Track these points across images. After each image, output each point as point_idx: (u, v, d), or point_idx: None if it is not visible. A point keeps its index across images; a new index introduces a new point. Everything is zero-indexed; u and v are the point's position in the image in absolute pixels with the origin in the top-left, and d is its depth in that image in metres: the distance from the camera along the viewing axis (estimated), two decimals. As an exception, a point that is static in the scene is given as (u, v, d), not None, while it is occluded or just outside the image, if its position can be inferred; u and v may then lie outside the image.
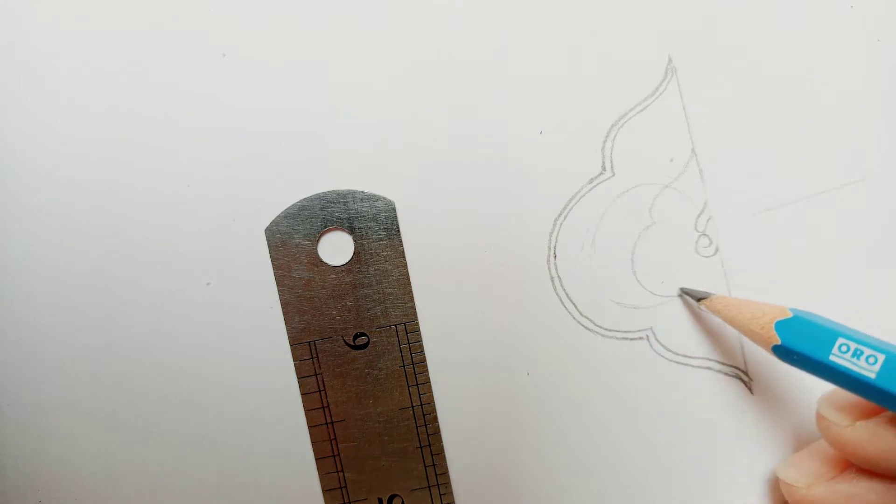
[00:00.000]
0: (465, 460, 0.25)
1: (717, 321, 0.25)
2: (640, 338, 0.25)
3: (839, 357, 0.20)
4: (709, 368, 0.25)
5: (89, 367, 0.24)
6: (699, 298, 0.24)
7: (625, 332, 0.25)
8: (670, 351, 0.25)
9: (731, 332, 0.25)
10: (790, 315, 0.21)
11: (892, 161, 0.26)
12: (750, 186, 0.26)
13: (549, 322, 0.25)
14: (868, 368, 0.19)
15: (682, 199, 0.25)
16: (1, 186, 0.24)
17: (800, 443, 0.25)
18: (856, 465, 0.22)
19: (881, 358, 0.19)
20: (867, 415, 0.21)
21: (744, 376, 0.25)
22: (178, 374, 0.24)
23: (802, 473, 0.23)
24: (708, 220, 0.26)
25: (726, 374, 0.25)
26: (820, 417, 0.22)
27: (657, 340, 0.25)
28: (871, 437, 0.20)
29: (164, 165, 0.24)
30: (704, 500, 0.25)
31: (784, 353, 0.21)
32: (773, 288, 0.26)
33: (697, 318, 0.25)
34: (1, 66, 0.24)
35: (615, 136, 0.25)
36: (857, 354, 0.20)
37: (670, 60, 0.25)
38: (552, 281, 0.25)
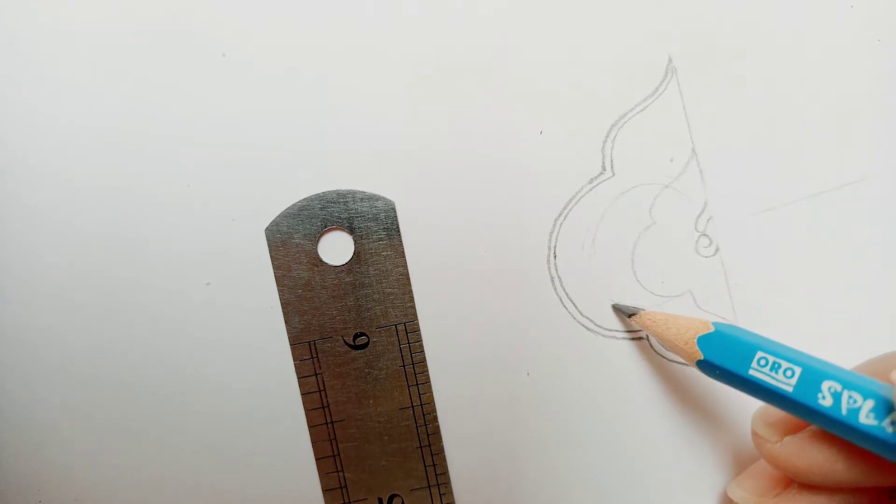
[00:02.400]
0: (465, 460, 0.25)
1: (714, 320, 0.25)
2: (640, 338, 0.25)
3: (758, 371, 0.20)
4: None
5: (89, 368, 0.24)
6: (630, 314, 0.24)
7: (624, 332, 0.25)
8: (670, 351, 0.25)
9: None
10: (712, 329, 0.21)
11: (892, 161, 0.26)
12: (750, 186, 0.26)
13: (549, 322, 0.25)
14: (785, 382, 0.19)
15: (682, 199, 0.25)
16: (1, 186, 0.24)
17: (724, 492, 0.25)
18: (797, 484, 0.22)
19: (798, 371, 0.19)
20: (795, 429, 0.21)
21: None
22: (178, 373, 0.24)
23: (750, 491, 0.23)
24: (708, 220, 0.26)
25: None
26: (753, 433, 0.22)
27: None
28: (798, 451, 0.20)
29: (164, 165, 0.24)
30: (704, 499, 0.25)
31: (707, 368, 0.21)
32: (774, 288, 0.26)
33: (697, 315, 0.25)
34: (1, 66, 0.24)
35: (615, 136, 0.25)
36: (775, 368, 0.19)
37: (670, 60, 0.25)
38: (552, 281, 0.25)
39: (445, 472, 0.25)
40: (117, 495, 0.24)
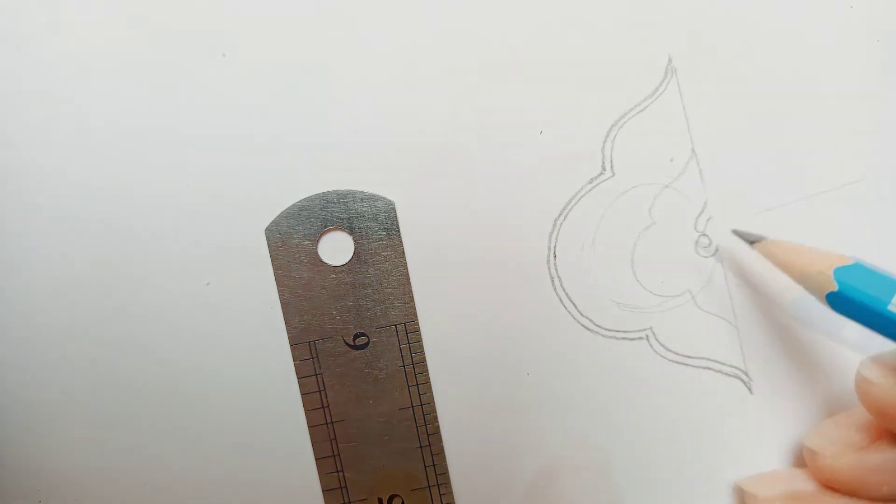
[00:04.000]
0: (465, 460, 0.25)
1: (714, 320, 0.25)
2: (640, 338, 0.25)
3: None
4: (708, 368, 0.25)
5: (89, 367, 0.24)
6: (752, 242, 0.23)
7: (625, 331, 0.25)
8: (670, 351, 0.25)
9: (730, 331, 0.25)
10: (850, 262, 0.21)
11: (892, 161, 0.26)
12: (750, 186, 0.26)
13: (548, 322, 0.25)
14: None
15: (682, 199, 0.25)
16: (1, 186, 0.24)
17: (801, 442, 0.25)
18: (887, 437, 0.21)
19: None
20: None
21: (743, 376, 0.25)
22: (178, 373, 0.24)
23: (830, 442, 0.22)
24: (708, 220, 0.26)
25: (726, 374, 0.25)
26: (862, 380, 0.21)
27: (657, 340, 0.25)
28: None
29: (163, 165, 0.24)
30: (704, 499, 0.25)
31: (839, 301, 0.20)
32: (773, 288, 0.26)
33: (695, 317, 0.25)
34: (1, 66, 0.24)
35: (615, 137, 0.25)
36: None
37: (670, 60, 0.25)
38: (552, 281, 0.25)
39: (445, 472, 0.25)
40: (117, 495, 0.24)
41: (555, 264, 0.25)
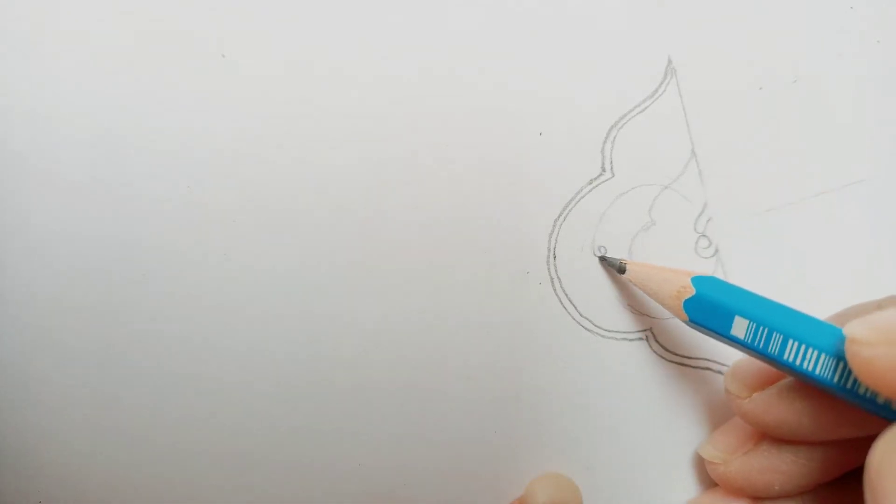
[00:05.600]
0: (465, 460, 0.25)
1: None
2: (640, 338, 0.25)
3: (738, 331, 0.21)
4: (707, 369, 0.25)
5: (89, 368, 0.24)
6: (620, 270, 0.24)
7: (624, 332, 0.25)
8: (669, 351, 0.25)
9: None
10: (693, 292, 0.22)
11: (892, 161, 0.26)
12: (750, 187, 0.26)
13: (548, 322, 0.25)
14: (760, 340, 0.20)
15: (682, 200, 0.25)
16: (1, 186, 0.24)
17: (696, 453, 0.26)
18: (768, 439, 0.22)
19: (767, 330, 0.20)
20: (764, 385, 0.22)
21: (743, 377, 0.25)
22: (178, 374, 0.24)
23: (720, 449, 0.23)
24: (707, 220, 0.25)
25: (725, 374, 0.25)
26: (725, 390, 0.23)
27: (656, 341, 0.25)
28: (766, 406, 0.21)
29: (163, 166, 0.24)
30: (703, 500, 0.26)
31: (694, 324, 0.22)
32: (773, 288, 0.26)
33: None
34: (2, 67, 0.24)
35: (615, 137, 0.25)
36: (751, 329, 0.20)
37: (670, 61, 0.25)
38: (552, 282, 0.25)
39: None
40: (117, 495, 0.24)
41: (554, 265, 0.25)
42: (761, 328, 0.20)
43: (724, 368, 0.25)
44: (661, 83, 0.25)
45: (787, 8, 0.26)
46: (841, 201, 0.26)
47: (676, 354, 0.25)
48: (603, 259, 0.25)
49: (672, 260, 0.25)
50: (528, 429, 0.25)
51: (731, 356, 0.25)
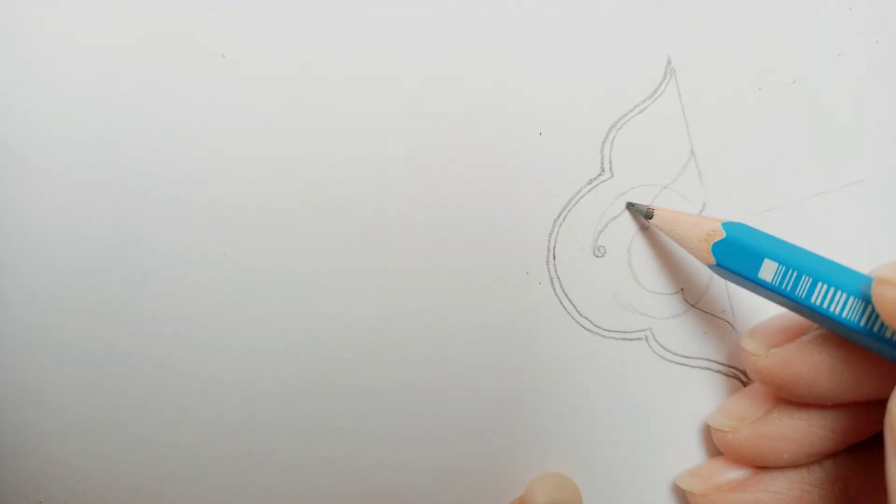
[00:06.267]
0: (465, 460, 0.25)
1: (713, 321, 0.25)
2: (639, 338, 0.25)
3: (767, 274, 0.21)
4: (707, 369, 0.25)
5: (89, 368, 0.24)
6: (647, 216, 0.24)
7: (624, 332, 0.25)
8: (669, 351, 0.25)
9: (730, 331, 0.25)
10: (723, 235, 0.22)
11: (892, 161, 0.26)
12: (750, 187, 0.26)
13: (548, 322, 0.25)
14: (788, 283, 0.20)
15: (682, 200, 0.25)
16: (1, 187, 0.24)
17: (705, 422, 0.25)
18: (781, 405, 0.22)
19: (796, 273, 0.20)
20: (783, 342, 0.21)
21: (743, 376, 0.25)
22: (178, 374, 0.24)
23: (730, 417, 0.23)
24: (707, 220, 0.25)
25: (725, 374, 0.25)
26: (741, 350, 0.22)
27: (656, 341, 0.25)
28: (782, 363, 0.21)
29: (163, 166, 0.24)
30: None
31: (720, 271, 0.22)
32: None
33: (695, 318, 0.25)
34: (2, 67, 0.24)
35: (614, 138, 0.25)
36: (779, 272, 0.20)
37: (669, 61, 0.25)
38: (551, 282, 0.25)
39: (444, 473, 0.25)
40: (117, 495, 0.24)
41: (554, 265, 0.25)
42: (790, 271, 0.20)
43: (724, 368, 0.25)
44: (661, 83, 0.25)
45: (787, 8, 0.26)
46: (841, 201, 0.26)
47: (676, 354, 0.25)
48: (630, 206, 0.25)
49: (672, 260, 0.25)
50: (528, 429, 0.25)
51: (731, 355, 0.25)
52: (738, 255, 0.21)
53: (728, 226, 0.22)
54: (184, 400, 0.24)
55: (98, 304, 0.24)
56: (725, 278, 0.22)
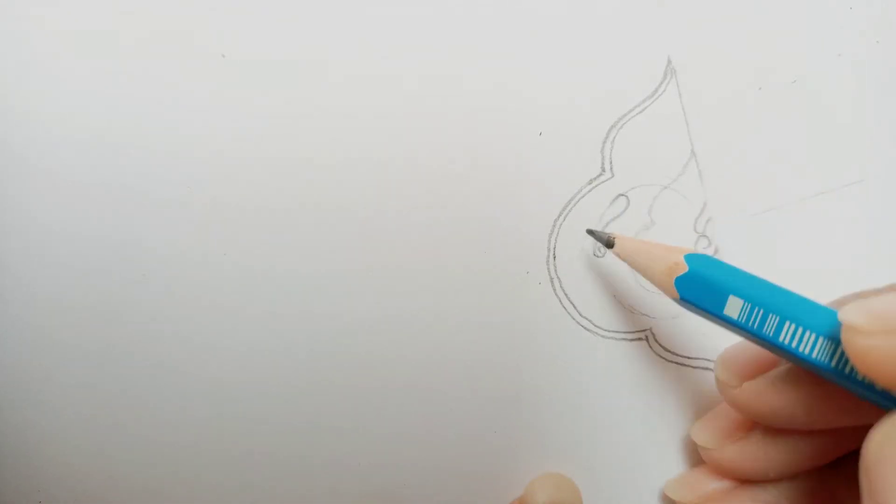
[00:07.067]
0: (465, 460, 0.25)
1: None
2: (640, 338, 0.25)
3: (732, 311, 0.20)
4: (707, 369, 0.25)
5: (89, 368, 0.24)
6: (608, 245, 0.23)
7: (624, 332, 0.25)
8: (669, 351, 0.25)
9: (729, 332, 0.25)
10: (686, 269, 0.21)
11: (892, 162, 0.26)
12: (749, 187, 0.26)
13: (548, 323, 0.25)
14: (754, 321, 0.19)
15: (682, 200, 0.25)
16: (1, 186, 0.24)
17: (688, 434, 0.25)
18: (760, 426, 0.22)
19: (762, 312, 0.19)
20: (755, 374, 0.21)
21: (743, 377, 0.25)
22: (178, 374, 0.24)
23: (713, 434, 0.23)
24: (707, 221, 0.26)
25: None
26: (716, 378, 0.22)
27: (656, 341, 0.25)
28: (757, 396, 0.21)
29: (163, 166, 0.24)
30: (703, 500, 0.26)
31: (686, 304, 0.21)
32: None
33: (695, 318, 0.25)
34: (2, 67, 0.24)
35: (614, 138, 0.25)
36: (745, 309, 0.20)
37: (670, 61, 0.25)
38: (551, 282, 0.25)
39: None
40: (117, 495, 0.24)
41: (554, 265, 0.25)
42: (757, 309, 0.19)
43: (723, 368, 0.25)
44: (661, 83, 0.25)
45: (787, 8, 0.26)
46: (840, 201, 0.26)
47: (676, 354, 0.25)
48: (591, 233, 0.24)
49: (672, 260, 0.25)
50: (528, 429, 0.25)
51: (730, 356, 0.25)
52: (702, 290, 0.20)
53: (691, 258, 0.21)
54: (184, 400, 0.24)
55: (98, 304, 0.24)
56: (692, 311, 0.21)
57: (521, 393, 0.25)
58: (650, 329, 0.25)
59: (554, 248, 0.25)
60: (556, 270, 0.25)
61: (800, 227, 0.26)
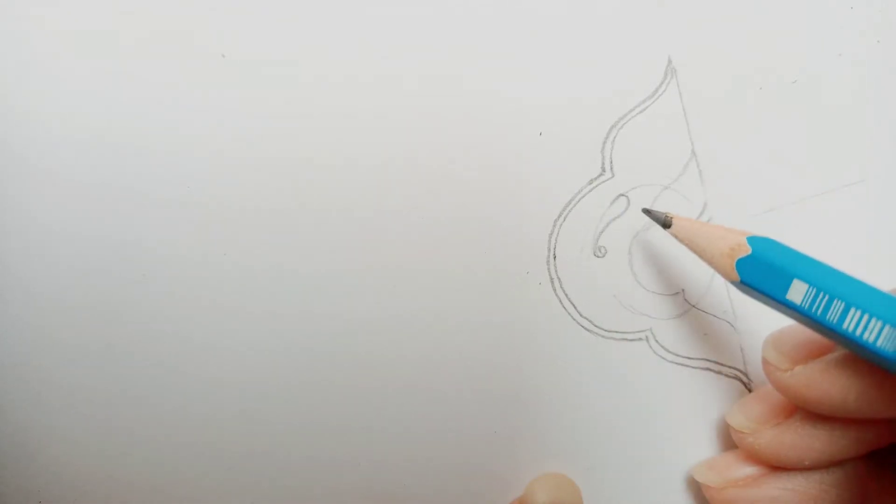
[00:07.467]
0: (465, 460, 0.25)
1: (714, 321, 0.25)
2: (640, 339, 0.25)
3: (794, 296, 0.19)
4: (708, 369, 0.25)
5: (89, 368, 0.24)
6: (665, 225, 0.23)
7: (624, 332, 0.25)
8: (670, 352, 0.25)
9: (730, 332, 0.25)
10: (749, 251, 0.20)
11: (892, 162, 0.26)
12: (750, 187, 0.26)
13: (548, 323, 0.25)
14: (818, 306, 0.19)
15: (682, 200, 0.25)
16: (1, 186, 0.24)
17: (724, 418, 0.25)
18: (803, 412, 0.21)
19: (827, 297, 0.19)
20: (806, 358, 0.21)
21: (743, 377, 0.25)
22: (178, 374, 0.24)
23: (750, 418, 0.23)
24: (708, 220, 0.26)
25: (726, 374, 0.25)
26: (764, 360, 0.21)
27: (656, 341, 0.25)
28: (808, 382, 0.20)
29: (163, 166, 0.24)
30: (704, 500, 0.25)
31: (744, 287, 0.21)
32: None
33: (695, 318, 0.25)
34: (2, 67, 0.24)
35: (615, 138, 0.25)
36: (809, 294, 0.19)
37: (670, 61, 0.25)
38: (552, 282, 0.25)
39: (445, 473, 0.25)
40: (117, 495, 0.24)
41: (554, 265, 0.25)
42: (821, 294, 0.19)
43: (724, 369, 0.25)
44: (661, 83, 0.25)
45: (787, 8, 0.26)
46: (840, 201, 0.26)
47: (676, 354, 0.25)
48: (647, 212, 0.24)
49: (672, 260, 0.25)
50: (528, 429, 0.25)
51: (732, 356, 0.25)
52: (764, 274, 0.20)
53: (754, 241, 0.20)
54: (184, 400, 0.24)
55: (98, 304, 0.24)
56: (747, 294, 0.21)
57: (521, 393, 0.25)
58: (651, 329, 0.25)
59: (554, 249, 0.25)
60: (556, 270, 0.25)
61: (800, 227, 0.26)
